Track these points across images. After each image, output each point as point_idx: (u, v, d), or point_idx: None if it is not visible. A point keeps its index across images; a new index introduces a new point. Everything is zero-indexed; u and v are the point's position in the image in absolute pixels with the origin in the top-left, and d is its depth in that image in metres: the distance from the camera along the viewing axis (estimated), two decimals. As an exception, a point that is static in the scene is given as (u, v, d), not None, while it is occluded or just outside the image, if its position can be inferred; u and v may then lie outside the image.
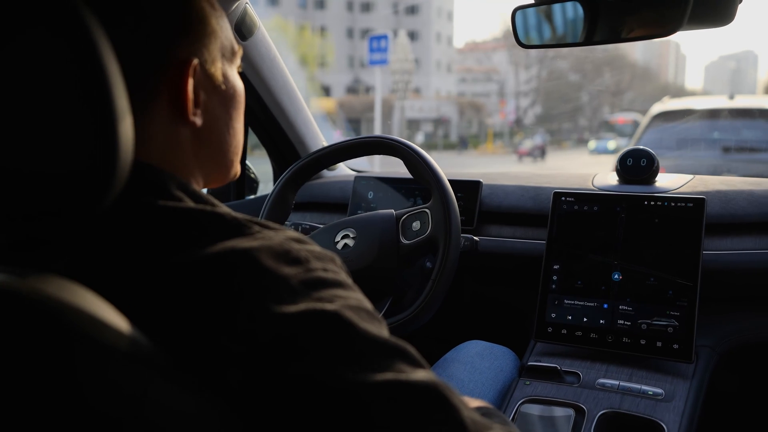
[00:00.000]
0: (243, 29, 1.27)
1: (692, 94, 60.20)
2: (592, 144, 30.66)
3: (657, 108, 4.74)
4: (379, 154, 1.22)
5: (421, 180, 1.16)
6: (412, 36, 44.65)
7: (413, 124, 37.25)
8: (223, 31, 0.60)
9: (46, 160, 0.43)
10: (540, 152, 27.99)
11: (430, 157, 1.15)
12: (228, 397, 0.44)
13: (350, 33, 44.04)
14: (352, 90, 41.75)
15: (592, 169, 4.30)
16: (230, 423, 0.44)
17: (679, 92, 55.08)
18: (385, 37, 20.33)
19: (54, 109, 0.42)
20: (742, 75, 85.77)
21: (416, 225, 1.14)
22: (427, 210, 1.14)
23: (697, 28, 0.88)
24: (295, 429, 0.44)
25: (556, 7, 1.03)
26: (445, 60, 47.17)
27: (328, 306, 0.47)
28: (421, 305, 1.08)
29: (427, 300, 1.07)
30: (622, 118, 30.42)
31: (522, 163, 27.09)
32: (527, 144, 30.16)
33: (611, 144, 27.29)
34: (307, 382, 0.44)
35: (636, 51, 51.44)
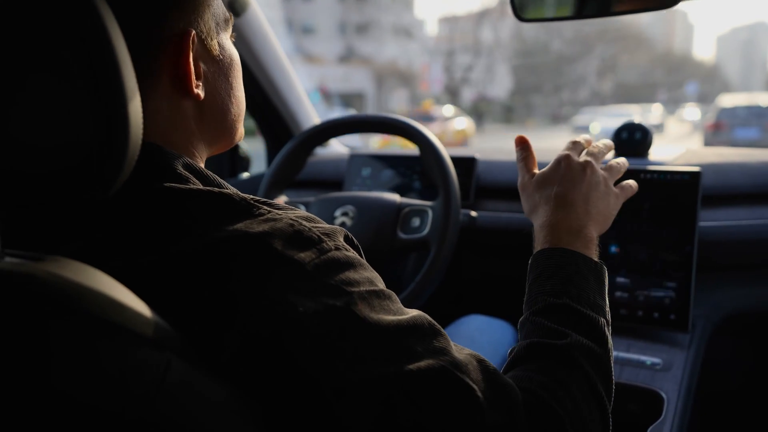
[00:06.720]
0: (236, 5, 1.33)
1: (702, 64, 61.03)
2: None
3: (721, 102, 13.47)
4: (394, 135, 1.28)
5: (432, 174, 1.20)
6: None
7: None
8: None
9: (55, 150, 0.45)
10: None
11: (448, 157, 1.19)
12: (244, 387, 0.48)
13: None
14: (344, 60, 39.53)
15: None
16: (248, 410, 0.48)
17: (685, 61, 55.09)
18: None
19: (63, 93, 0.45)
20: (754, 46, 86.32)
21: (416, 221, 1.20)
22: (429, 209, 1.20)
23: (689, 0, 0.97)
24: (311, 423, 0.48)
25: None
26: (404, 25, 41.83)
27: (339, 301, 0.49)
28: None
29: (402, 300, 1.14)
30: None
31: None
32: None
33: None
34: (319, 380, 0.47)
35: (640, 17, 51.19)
